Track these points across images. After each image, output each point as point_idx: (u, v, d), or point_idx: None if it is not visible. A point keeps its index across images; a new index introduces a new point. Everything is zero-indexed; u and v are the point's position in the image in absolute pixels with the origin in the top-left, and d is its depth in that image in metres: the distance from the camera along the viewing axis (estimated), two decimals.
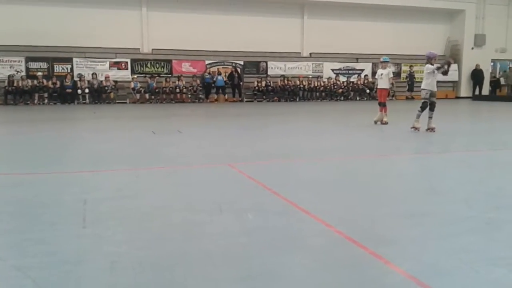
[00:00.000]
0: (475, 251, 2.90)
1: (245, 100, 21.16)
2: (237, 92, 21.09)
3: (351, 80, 22.88)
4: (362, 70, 23.38)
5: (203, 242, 3.06)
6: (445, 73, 9.02)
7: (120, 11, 20.24)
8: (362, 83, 22.61)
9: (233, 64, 21.54)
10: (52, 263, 2.70)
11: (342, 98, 22.14)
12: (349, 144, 8.11)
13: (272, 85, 21.17)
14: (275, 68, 22.17)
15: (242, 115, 14.51)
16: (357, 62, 23.59)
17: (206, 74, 20.79)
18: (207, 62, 21.31)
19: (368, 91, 22.14)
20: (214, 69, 21.17)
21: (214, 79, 20.65)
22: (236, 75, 20.83)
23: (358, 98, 22.54)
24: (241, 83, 21.04)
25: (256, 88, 21.07)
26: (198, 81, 20.52)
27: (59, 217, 3.61)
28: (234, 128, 10.96)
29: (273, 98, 21.21)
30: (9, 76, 18.12)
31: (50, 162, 6.09)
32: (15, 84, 17.97)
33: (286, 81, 21.40)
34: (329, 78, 22.53)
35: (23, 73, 18.58)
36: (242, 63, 21.79)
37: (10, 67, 18.66)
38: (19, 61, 18.87)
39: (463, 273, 2.56)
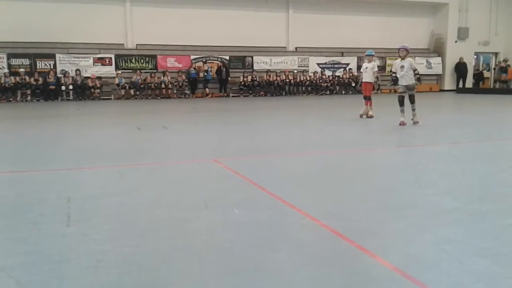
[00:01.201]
0: (459, 242, 2.93)
1: (231, 95, 21.11)
2: (224, 87, 21.03)
3: (337, 74, 22.98)
4: (348, 64, 23.49)
5: (189, 239, 3.04)
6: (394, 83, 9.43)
7: (103, 6, 19.98)
8: (347, 77, 22.70)
9: (220, 59, 21.45)
10: (35, 263, 2.66)
11: (327, 92, 22.23)
12: (334, 138, 8.14)
13: (258, 80, 21.14)
14: (260, 63, 22.15)
15: (228, 110, 14.48)
16: (343, 56, 23.68)
17: (192, 69, 20.68)
18: (192, 57, 21.18)
19: (353, 85, 22.25)
20: (200, 64, 21.06)
21: (202, 74, 20.54)
22: (224, 70, 20.76)
23: (343, 92, 22.65)
24: (228, 78, 20.99)
25: (242, 83, 21.02)
26: (184, 77, 20.40)
27: (42, 215, 3.55)
28: (220, 123, 10.93)
29: (259, 93, 21.20)
30: None
31: (33, 160, 5.99)
32: None
33: (272, 76, 21.39)
34: (315, 73, 22.59)
35: (5, 70, 18.26)
36: (227, 58, 21.71)
37: None
38: (0, 58, 18.53)
39: (447, 264, 2.58)
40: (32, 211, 3.67)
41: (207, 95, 20.40)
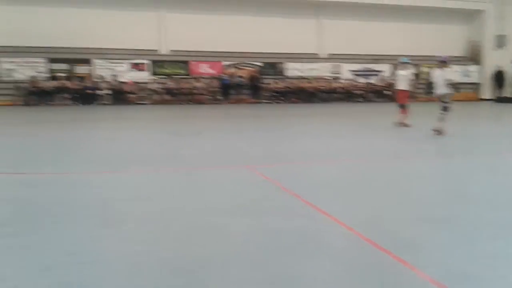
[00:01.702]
0: (501, 256, 2.84)
1: (263, 101, 21.15)
2: (256, 94, 21.10)
3: (370, 81, 22.69)
4: (381, 71, 23.16)
5: (225, 245, 3.05)
6: None
7: (138, 12, 20.43)
8: (381, 84, 22.39)
9: (252, 65, 21.57)
10: (75, 263, 2.72)
11: (360, 99, 21.97)
12: (369, 146, 8.02)
13: (290, 87, 21.13)
14: (293, 70, 22.13)
15: (260, 117, 14.52)
16: (376, 63, 23.37)
17: (224, 75, 20.85)
18: (224, 63, 21.38)
19: (387, 92, 21.88)
20: (232, 70, 21.23)
21: (234, 80, 20.69)
22: (256, 76, 20.85)
23: (377, 100, 22.32)
24: (260, 85, 21.06)
25: (274, 89, 21.04)
26: (216, 83, 20.59)
27: (80, 217, 3.65)
28: (253, 129, 10.95)
29: (291, 99, 21.16)
30: (31, 77, 18.46)
31: (70, 163, 6.15)
32: (37, 85, 18.30)
33: (304, 83, 21.34)
34: (347, 80, 22.39)
35: (46, 74, 18.89)
36: (260, 64, 21.80)
37: (32, 68, 19.00)
38: (41, 63, 19.20)
39: (489, 279, 2.50)
40: (70, 213, 3.77)
41: (234, 101, 20.51)
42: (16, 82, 18.58)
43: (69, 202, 4.10)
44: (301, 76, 21.79)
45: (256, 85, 20.91)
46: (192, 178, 5.27)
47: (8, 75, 18.81)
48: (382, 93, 22.17)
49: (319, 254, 2.90)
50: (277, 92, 21.05)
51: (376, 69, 23.30)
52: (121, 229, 3.36)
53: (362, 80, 22.71)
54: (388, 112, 13.36)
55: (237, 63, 21.49)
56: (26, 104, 18.00)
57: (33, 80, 18.37)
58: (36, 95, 18.29)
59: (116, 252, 2.91)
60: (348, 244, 3.08)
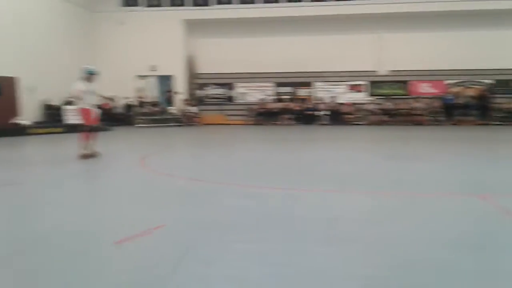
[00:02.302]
0: None
1: (493, 123, 18.93)
2: (485, 114, 19.05)
3: None
4: None
5: (449, 282, 2.81)
6: None
7: (358, 35, 20.84)
8: None
9: (481, 83, 19.61)
10: (305, 276, 2.88)
11: None
12: None
13: None
14: None
15: (492, 140, 13.01)
16: None
17: (448, 94, 19.46)
18: (448, 82, 19.97)
19: None
20: (457, 89, 19.68)
21: (460, 99, 19.15)
22: (487, 96, 18.86)
23: None
24: (490, 105, 18.95)
25: (509, 110, 18.63)
26: (438, 103, 19.36)
27: (306, 232, 3.85)
28: (484, 155, 9.88)
29: None
30: (260, 100, 20.67)
31: (292, 179, 6.58)
32: (265, 107, 20.35)
33: None
34: None
35: (272, 97, 20.88)
36: (491, 81, 19.65)
37: (262, 92, 21.25)
38: (269, 86, 21.33)
39: None
40: (299, 227, 4.01)
41: (462, 122, 18.81)
42: (248, 104, 21.08)
43: (297, 216, 4.38)
44: None
45: (485, 105, 18.87)
46: (415, 204, 5.03)
47: (242, 98, 21.47)
48: None
49: None
50: (510, 112, 18.59)
51: None
52: (345, 248, 3.42)
53: None
54: None
55: (463, 81, 19.83)
56: (256, 123, 20.20)
57: (261, 102, 20.51)
58: (263, 116, 20.34)
59: (341, 271, 2.97)
60: None
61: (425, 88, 20.32)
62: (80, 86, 8.62)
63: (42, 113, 17.56)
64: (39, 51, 17.06)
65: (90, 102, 8.81)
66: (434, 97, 19.61)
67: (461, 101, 19.14)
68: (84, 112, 8.77)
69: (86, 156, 8.55)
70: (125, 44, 21.22)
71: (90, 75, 8.72)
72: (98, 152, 8.94)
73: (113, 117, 19.71)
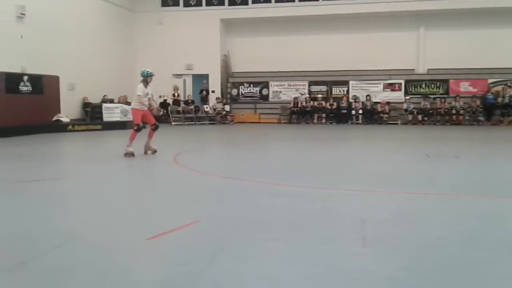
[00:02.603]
0: None
1: None
2: None
3: None
4: None
5: (488, 284, 2.73)
6: None
7: (397, 33, 20.46)
8: None
9: None
10: (336, 277, 2.87)
11: None
12: None
13: None
14: None
15: None
16: None
17: (489, 94, 18.84)
18: (490, 81, 19.33)
19: None
20: (498, 88, 19.02)
21: (503, 97, 18.48)
22: None
23: None
24: None
25: None
26: (478, 102, 18.76)
27: (340, 232, 3.83)
28: None
29: None
30: (294, 98, 20.60)
31: (326, 178, 6.55)
32: (299, 105, 20.27)
33: None
34: None
35: (306, 95, 20.76)
36: None
37: (296, 90, 21.18)
38: (303, 85, 21.22)
39: None
40: (331, 227, 4.00)
41: (499, 122, 18.16)
42: (281, 102, 21.04)
43: (329, 217, 4.36)
44: None
45: None
46: (450, 205, 4.92)
47: (276, 96, 21.45)
48: None
49: None
50: None
51: None
52: (379, 249, 3.39)
53: None
54: None
55: (505, 80, 19.14)
56: (289, 122, 20.16)
57: (295, 101, 20.43)
58: (297, 114, 20.26)
59: (375, 273, 2.94)
60: None
61: (465, 87, 19.74)
62: (141, 89, 8.80)
63: (82, 110, 18.10)
64: (79, 50, 17.58)
65: (145, 103, 9.01)
66: (474, 96, 19.01)
67: (502, 100, 18.47)
68: (135, 112, 8.98)
69: (130, 154, 8.70)
70: (163, 43, 21.59)
71: (147, 77, 8.90)
72: (154, 149, 9.10)
73: None
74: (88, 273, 2.97)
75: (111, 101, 18.62)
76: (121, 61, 20.86)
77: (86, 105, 17.97)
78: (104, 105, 17.50)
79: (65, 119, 16.01)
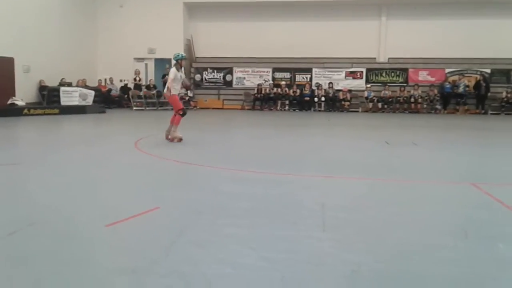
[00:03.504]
0: None
1: (490, 112, 18.95)
2: (480, 104, 19.08)
3: None
4: None
5: (444, 268, 2.83)
6: None
7: (359, 22, 20.74)
8: None
9: (479, 72, 19.59)
10: (296, 261, 2.90)
11: None
12: None
13: None
14: None
15: (485, 129, 13.05)
16: None
17: (446, 83, 19.44)
18: (447, 70, 19.95)
19: None
20: (455, 77, 19.67)
21: (456, 86, 19.12)
22: (484, 85, 18.84)
23: None
24: (488, 94, 18.95)
25: (505, 99, 18.64)
26: (436, 91, 19.35)
27: (300, 217, 3.87)
28: (479, 143, 9.91)
29: None
30: (258, 85, 20.57)
31: (287, 164, 6.60)
32: (262, 92, 20.27)
33: None
34: None
35: (270, 82, 20.77)
36: (488, 71, 19.63)
37: (259, 77, 21.15)
38: (267, 72, 21.21)
39: None
40: (291, 212, 4.03)
41: (455, 111, 18.83)
42: (245, 89, 20.98)
43: (290, 202, 4.39)
44: None
45: (482, 95, 18.87)
46: (407, 191, 5.06)
47: (240, 82, 21.36)
48: None
49: None
50: (508, 102, 18.60)
51: None
52: (339, 234, 3.44)
53: None
54: None
55: (462, 70, 19.80)
56: (252, 109, 20.14)
57: (259, 88, 20.41)
58: (260, 101, 20.27)
59: (335, 256, 2.99)
60: None
61: (423, 76, 20.28)
62: (173, 73, 8.64)
63: (38, 94, 17.45)
64: (35, 31, 16.87)
65: (178, 88, 8.94)
66: (432, 85, 19.58)
67: (457, 90, 19.11)
68: (173, 99, 8.85)
69: (179, 139, 8.68)
70: (124, 26, 21.03)
71: (180, 60, 8.75)
72: (179, 137, 8.86)
73: (110, 99, 19.62)
74: (45, 261, 2.88)
75: (69, 84, 18.01)
76: (81, 43, 20.19)
77: (42, 88, 17.33)
78: (62, 88, 16.90)
79: (20, 103, 15.37)
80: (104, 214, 3.90)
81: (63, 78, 18.09)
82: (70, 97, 16.61)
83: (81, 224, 3.66)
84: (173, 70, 8.73)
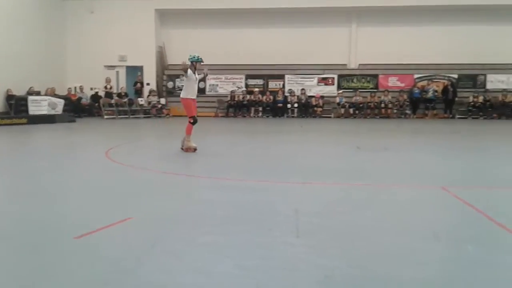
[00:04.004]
0: None
1: (457, 116, 19.47)
2: (449, 108, 19.58)
3: None
4: None
5: (418, 271, 2.89)
6: None
7: (330, 28, 21.00)
8: None
9: (446, 78, 20.13)
10: (271, 267, 2.90)
11: None
12: None
13: (490, 101, 19.01)
14: (495, 82, 19.89)
15: (454, 133, 13.40)
16: None
17: (415, 88, 19.90)
18: (416, 76, 20.43)
19: None
20: (423, 83, 20.16)
21: (425, 91, 19.58)
22: (451, 90, 19.35)
23: None
24: (455, 99, 19.48)
25: (472, 104, 19.19)
26: (405, 96, 19.77)
27: (275, 224, 3.87)
28: (448, 147, 10.16)
29: (491, 115, 18.99)
30: (231, 92, 20.59)
31: (262, 171, 6.61)
32: (235, 99, 20.28)
33: (508, 97, 18.97)
34: None
35: (243, 89, 20.82)
36: (456, 76, 20.21)
37: (232, 84, 21.17)
38: (240, 78, 21.26)
39: None
40: (267, 219, 4.03)
41: (424, 116, 19.28)
42: (218, 96, 20.95)
43: (265, 209, 4.39)
44: (505, 89, 19.44)
45: (450, 99, 19.38)
46: (380, 195, 5.14)
47: (213, 89, 21.32)
48: None
49: None
50: (474, 106, 19.16)
51: None
52: (313, 239, 3.46)
53: None
54: None
55: (430, 76, 20.32)
56: (226, 116, 20.12)
57: (232, 95, 20.43)
58: (234, 108, 20.27)
59: (309, 262, 3.00)
60: None
61: (393, 82, 20.69)
62: (189, 73, 8.24)
63: (5, 103, 16.99)
64: (1, 38, 16.47)
65: (194, 92, 8.48)
66: (401, 91, 19.99)
67: (427, 95, 19.57)
68: (186, 102, 8.40)
69: (194, 149, 8.17)
70: (94, 33, 20.72)
71: (195, 63, 8.45)
72: (194, 147, 8.36)
73: (80, 108, 19.26)
74: (9, 276, 2.79)
75: (38, 93, 17.59)
76: (50, 51, 19.77)
77: (9, 97, 16.88)
78: (30, 97, 16.50)
79: None
80: (74, 226, 3.81)
81: (31, 87, 17.67)
82: (38, 106, 16.22)
83: (49, 236, 3.57)
84: (189, 70, 8.35)
